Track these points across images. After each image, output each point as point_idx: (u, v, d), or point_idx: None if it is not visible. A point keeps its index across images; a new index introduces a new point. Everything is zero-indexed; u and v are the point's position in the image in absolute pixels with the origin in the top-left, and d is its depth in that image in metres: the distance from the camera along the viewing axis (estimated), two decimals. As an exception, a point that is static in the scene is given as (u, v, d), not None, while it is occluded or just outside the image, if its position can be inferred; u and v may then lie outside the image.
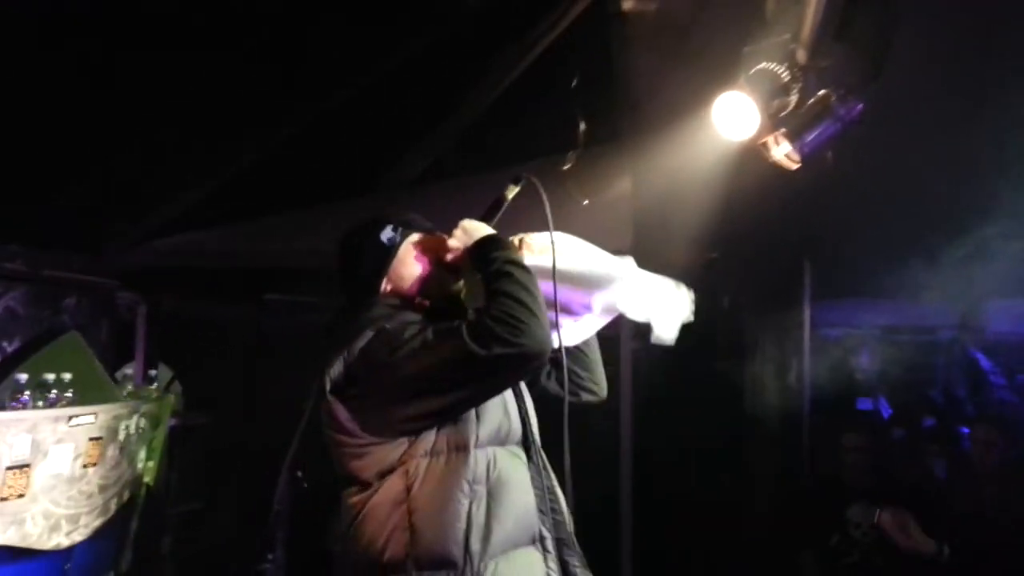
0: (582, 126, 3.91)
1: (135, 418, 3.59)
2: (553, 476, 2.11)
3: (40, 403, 3.02)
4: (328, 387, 1.94)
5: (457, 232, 2.09)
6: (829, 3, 2.64)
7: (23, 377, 3.04)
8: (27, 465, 2.75)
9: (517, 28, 3.71)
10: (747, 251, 4.79)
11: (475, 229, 2.08)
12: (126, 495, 3.62)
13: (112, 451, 3.36)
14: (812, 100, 3.03)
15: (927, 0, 2.89)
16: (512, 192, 2.17)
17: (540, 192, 2.11)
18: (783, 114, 3.07)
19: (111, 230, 4.54)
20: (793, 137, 3.13)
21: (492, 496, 1.90)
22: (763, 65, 2.98)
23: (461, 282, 2.15)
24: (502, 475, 1.93)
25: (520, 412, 2.08)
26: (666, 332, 2.33)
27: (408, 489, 1.87)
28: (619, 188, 4.16)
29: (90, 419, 3.12)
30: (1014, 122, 3.42)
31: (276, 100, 3.74)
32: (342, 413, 1.92)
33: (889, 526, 3.84)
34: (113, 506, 3.46)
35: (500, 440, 1.98)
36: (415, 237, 2.18)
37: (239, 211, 4.65)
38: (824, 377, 4.91)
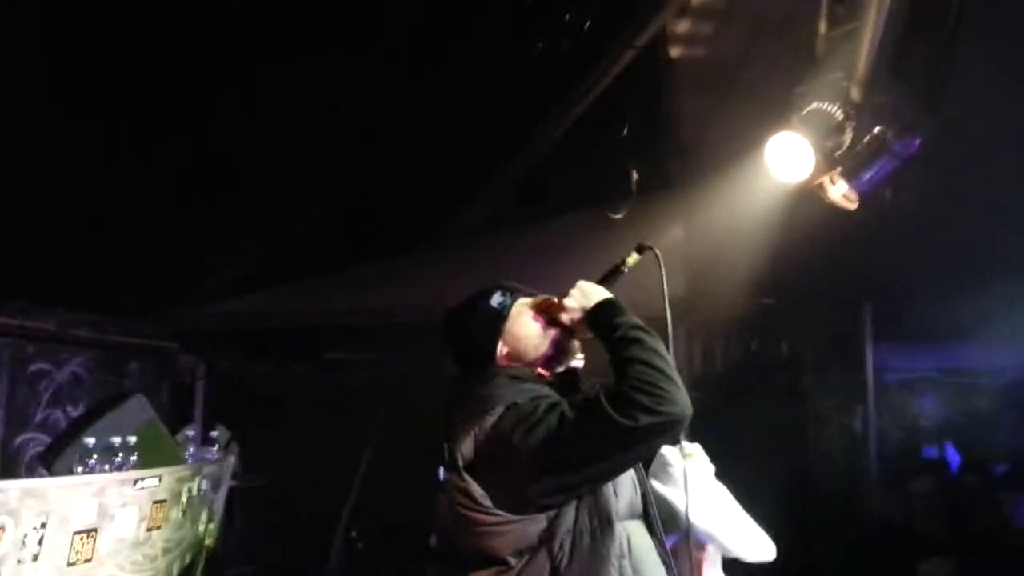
0: (634, 174, 3.91)
1: (198, 480, 3.61)
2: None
3: (107, 467, 3.05)
4: (461, 464, 1.93)
5: (575, 293, 2.06)
6: (884, 39, 2.61)
7: (91, 441, 3.08)
8: (94, 530, 2.77)
9: (569, 78, 3.75)
10: (805, 295, 4.71)
11: (593, 292, 2.04)
12: (188, 558, 3.61)
13: (175, 514, 3.37)
14: (868, 138, 2.98)
15: (987, 30, 2.83)
16: (633, 260, 2.13)
17: (660, 264, 2.09)
18: (838, 153, 3.02)
19: (172, 295, 4.64)
20: (850, 176, 3.08)
21: (636, 571, 1.88)
22: (816, 104, 2.95)
23: (577, 345, 2.13)
24: (637, 549, 1.90)
25: (640, 484, 2.05)
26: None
27: (555, 569, 1.83)
28: (672, 235, 4.14)
29: (155, 482, 3.14)
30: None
31: (331, 161, 3.81)
32: (476, 490, 1.89)
33: None
34: (175, 570, 3.45)
35: (632, 514, 1.97)
36: (526, 300, 2.17)
37: (295, 271, 4.73)
38: (889, 423, 4.76)
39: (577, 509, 1.86)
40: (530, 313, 2.12)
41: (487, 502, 1.87)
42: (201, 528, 3.80)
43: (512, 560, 1.86)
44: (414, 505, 4.20)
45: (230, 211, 3.88)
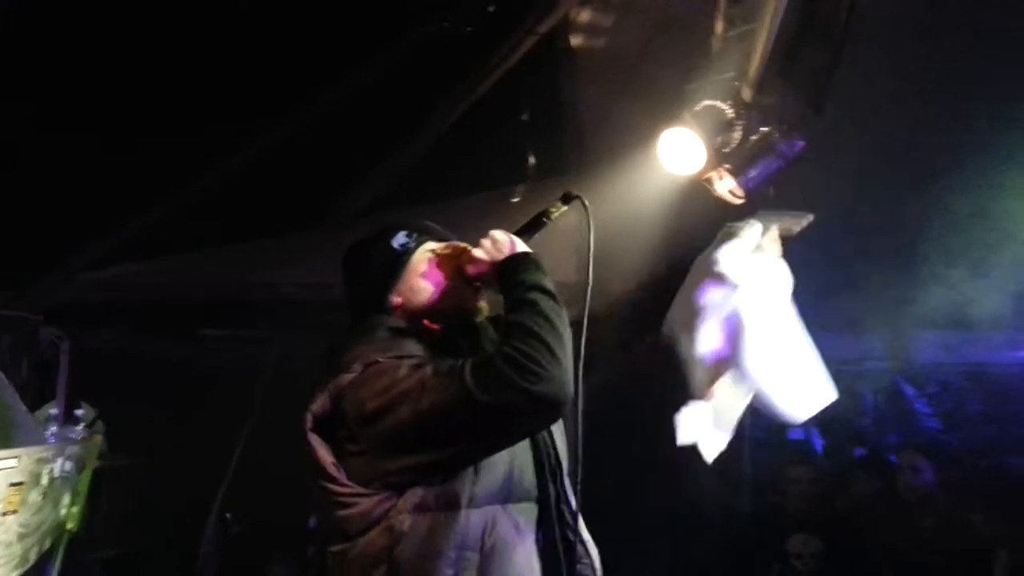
0: (531, 160, 3.92)
1: (60, 461, 3.39)
2: (585, 535, 1.82)
3: (-44, 446, 2.83)
4: (310, 424, 1.70)
5: (485, 242, 1.81)
6: (776, 42, 2.70)
7: (-63, 419, 2.84)
8: (-62, 514, 2.55)
9: (468, 61, 3.72)
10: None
11: (505, 243, 1.79)
12: (48, 543, 3.40)
13: (34, 496, 3.16)
14: (755, 137, 3.09)
15: (871, 36, 2.98)
16: (558, 211, 1.90)
17: (588, 216, 1.84)
18: (727, 150, 3.12)
19: (36, 264, 4.34)
20: (737, 173, 3.18)
21: (485, 567, 1.62)
22: (708, 102, 3.03)
23: (482, 303, 1.90)
24: (500, 542, 1.64)
25: (540, 460, 1.76)
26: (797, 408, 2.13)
27: (389, 549, 1.62)
28: (566, 221, 4.17)
29: (11, 463, 2.93)
30: (951, 156, 3.56)
31: (217, 130, 3.65)
32: (325, 456, 1.69)
33: None
34: (33, 556, 3.24)
35: (503, 498, 1.68)
36: (432, 244, 1.92)
37: (173, 245, 4.50)
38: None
39: (425, 488, 1.63)
40: (431, 261, 1.89)
41: (335, 471, 1.67)
42: (63, 511, 3.58)
43: (356, 537, 1.66)
44: (293, 487, 4.12)
45: (99, 178, 3.67)
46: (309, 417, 1.71)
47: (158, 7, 2.88)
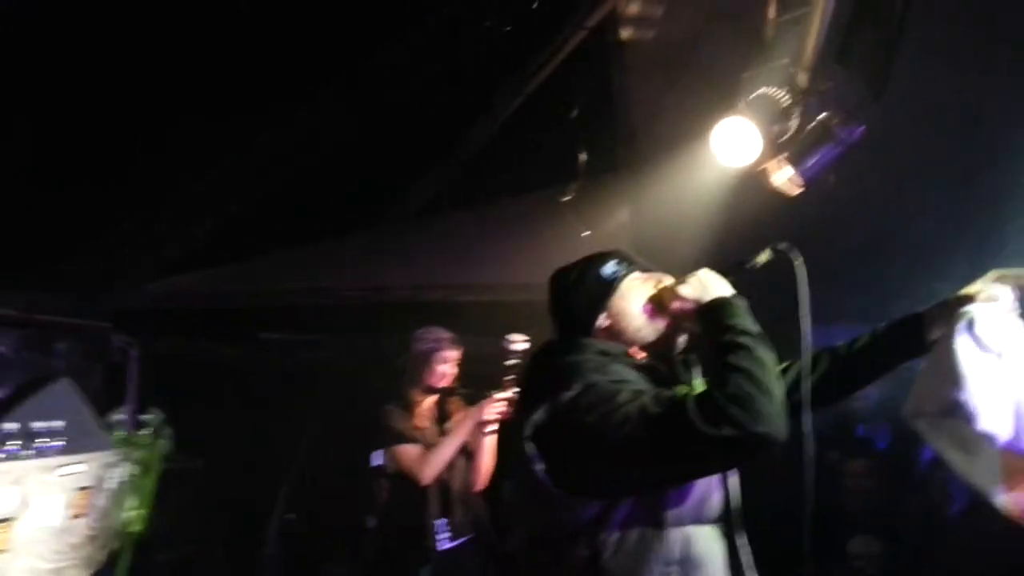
0: (582, 157, 3.87)
1: (126, 465, 3.48)
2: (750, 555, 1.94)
3: (30, 453, 2.92)
4: (530, 432, 1.81)
5: (692, 280, 1.91)
6: (830, 26, 2.61)
7: (12, 426, 2.93)
8: (10, 519, 2.64)
9: (519, 58, 3.69)
10: (747, 280, 4.74)
11: (713, 285, 1.88)
12: (115, 544, 3.49)
13: (101, 500, 3.25)
14: (813, 124, 2.99)
15: (929, 21, 2.85)
16: (764, 257, 1.97)
17: (797, 269, 1.89)
18: (784, 139, 3.02)
19: (105, 273, 4.47)
20: (795, 162, 3.08)
21: None
22: (763, 90, 2.94)
23: (681, 337, 1.99)
24: (696, 557, 1.80)
25: (724, 485, 1.91)
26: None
27: (594, 560, 1.76)
28: (619, 218, 4.12)
29: (80, 468, 3.02)
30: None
31: (272, 138, 3.70)
32: (539, 463, 1.79)
33: None
34: (101, 557, 3.33)
35: (697, 518, 1.83)
36: (640, 275, 2.02)
37: (234, 252, 4.59)
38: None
39: (633, 505, 1.77)
40: (641, 292, 1.97)
41: (546, 477, 1.78)
42: (129, 514, 3.67)
43: (560, 542, 1.81)
44: (353, 488, 4.15)
45: (167, 188, 3.75)
46: (529, 427, 1.81)
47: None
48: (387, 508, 3.64)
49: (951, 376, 1.89)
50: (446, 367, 3.62)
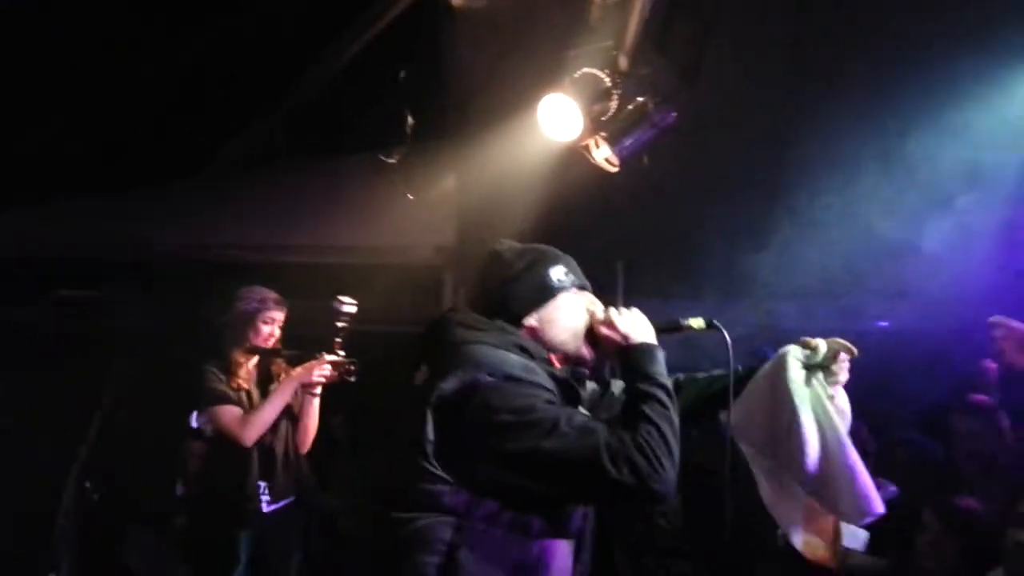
0: (409, 121, 3.86)
1: None
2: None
3: None
4: (433, 399, 1.77)
5: (626, 315, 1.97)
6: (650, 14, 2.76)
7: None
8: None
9: (348, 13, 3.61)
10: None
11: (643, 329, 1.95)
12: None
13: None
14: (631, 106, 3.16)
15: (739, 13, 3.08)
16: (698, 325, 2.07)
17: (728, 346, 2.03)
18: (604, 118, 3.17)
19: None
20: (613, 141, 3.25)
21: None
22: (586, 69, 3.07)
23: (593, 359, 2.04)
24: (549, 570, 1.80)
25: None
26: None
27: (452, 547, 1.74)
28: (443, 185, 4.16)
29: None
30: (813, 131, 3.75)
31: (86, 66, 3.39)
32: (429, 433, 1.77)
33: None
34: None
35: (560, 533, 1.85)
36: (579, 293, 2.03)
37: (31, 194, 4.18)
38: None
39: (500, 506, 1.77)
40: (574, 309, 2.00)
41: (431, 448, 1.76)
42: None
43: (422, 513, 1.77)
44: (159, 453, 3.97)
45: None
46: (435, 394, 1.78)
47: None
48: (204, 471, 3.53)
49: (770, 414, 2.11)
50: (270, 328, 3.54)
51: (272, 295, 3.57)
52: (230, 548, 3.45)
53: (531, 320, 1.97)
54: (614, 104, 3.12)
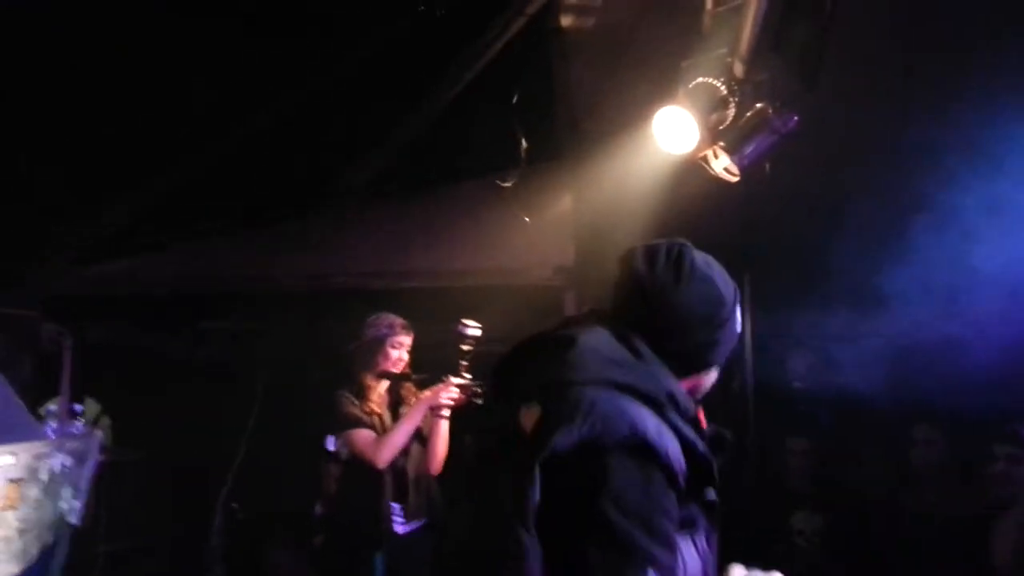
0: (523, 143, 3.88)
1: (59, 456, 3.39)
2: None
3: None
4: (542, 452, 1.39)
5: None
6: (765, 17, 2.66)
7: (-66, 418, 2.84)
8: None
9: (459, 44, 3.68)
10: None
11: None
12: (49, 537, 3.40)
13: (34, 492, 3.17)
14: (749, 113, 3.05)
15: (858, 15, 2.93)
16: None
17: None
18: (722, 127, 3.08)
19: (32, 258, 4.33)
20: (732, 150, 3.14)
21: None
22: (701, 79, 2.99)
23: None
24: None
25: None
26: None
27: None
28: (560, 205, 4.16)
29: (9, 460, 2.93)
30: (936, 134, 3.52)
31: (210, 114, 3.62)
32: (533, 497, 1.38)
33: None
34: (34, 551, 3.25)
35: None
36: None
37: (172, 235, 4.48)
38: (764, 386, 4.93)
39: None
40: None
41: (530, 521, 1.38)
42: (64, 506, 3.59)
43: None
44: (299, 475, 4.13)
45: (90, 166, 3.64)
46: (545, 442, 1.40)
47: None
48: (340, 493, 3.64)
49: None
50: (399, 352, 3.64)
51: (399, 321, 3.66)
52: (365, 568, 3.53)
53: (701, 376, 1.61)
54: (731, 112, 3.03)
